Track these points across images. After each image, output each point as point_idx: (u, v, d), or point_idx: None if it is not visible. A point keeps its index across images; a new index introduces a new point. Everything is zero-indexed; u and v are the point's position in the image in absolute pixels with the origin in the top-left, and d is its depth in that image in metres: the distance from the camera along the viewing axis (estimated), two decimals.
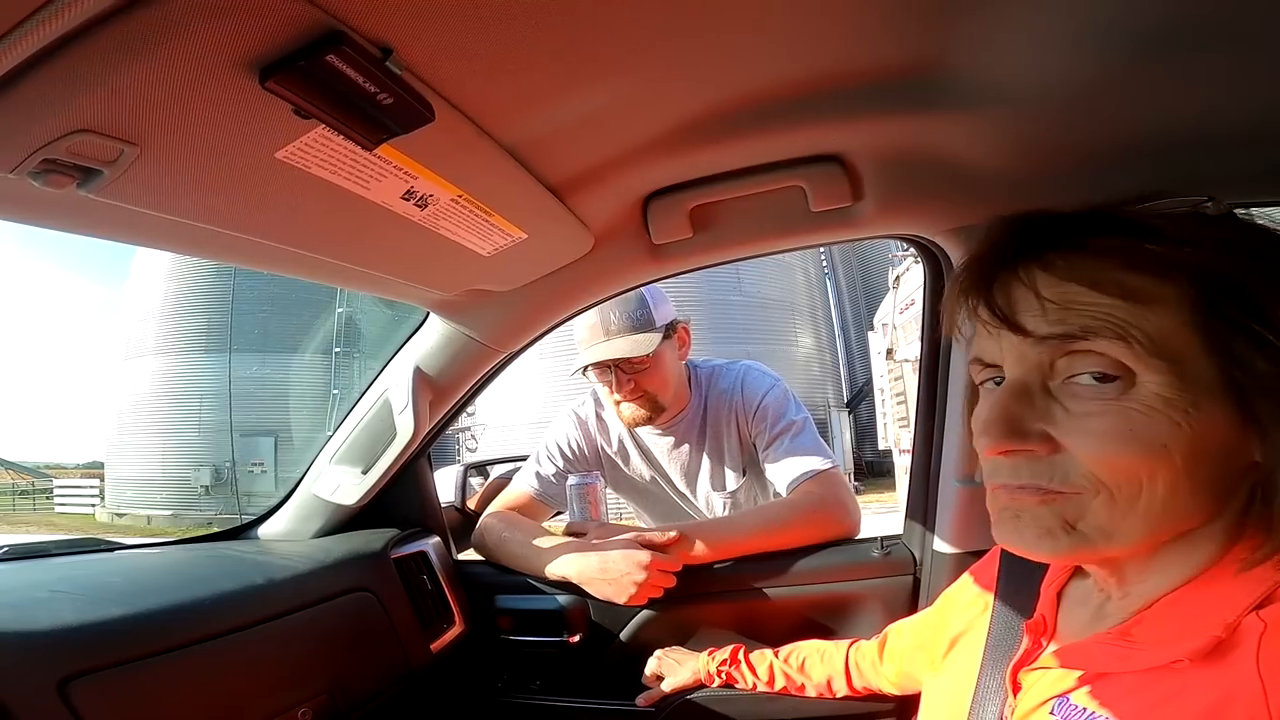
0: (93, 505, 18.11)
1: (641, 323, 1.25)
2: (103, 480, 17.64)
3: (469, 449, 12.42)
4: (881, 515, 6.64)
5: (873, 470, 15.56)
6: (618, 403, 1.30)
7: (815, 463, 1.17)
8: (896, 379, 9.59)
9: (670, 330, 1.29)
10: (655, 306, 1.27)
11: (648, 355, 1.23)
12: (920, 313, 1.04)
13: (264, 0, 0.35)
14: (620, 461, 1.42)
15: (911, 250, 0.98)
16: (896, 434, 9.77)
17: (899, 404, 9.53)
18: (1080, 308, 0.40)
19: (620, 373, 1.26)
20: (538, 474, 1.35)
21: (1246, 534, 0.41)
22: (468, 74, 0.48)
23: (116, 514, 15.87)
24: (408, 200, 0.59)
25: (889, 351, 9.49)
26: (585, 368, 1.29)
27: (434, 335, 1.05)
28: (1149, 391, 0.39)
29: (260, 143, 0.46)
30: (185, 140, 0.43)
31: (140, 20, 0.34)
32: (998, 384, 0.46)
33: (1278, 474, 0.39)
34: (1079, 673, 0.46)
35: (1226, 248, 0.40)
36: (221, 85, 0.39)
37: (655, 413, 1.29)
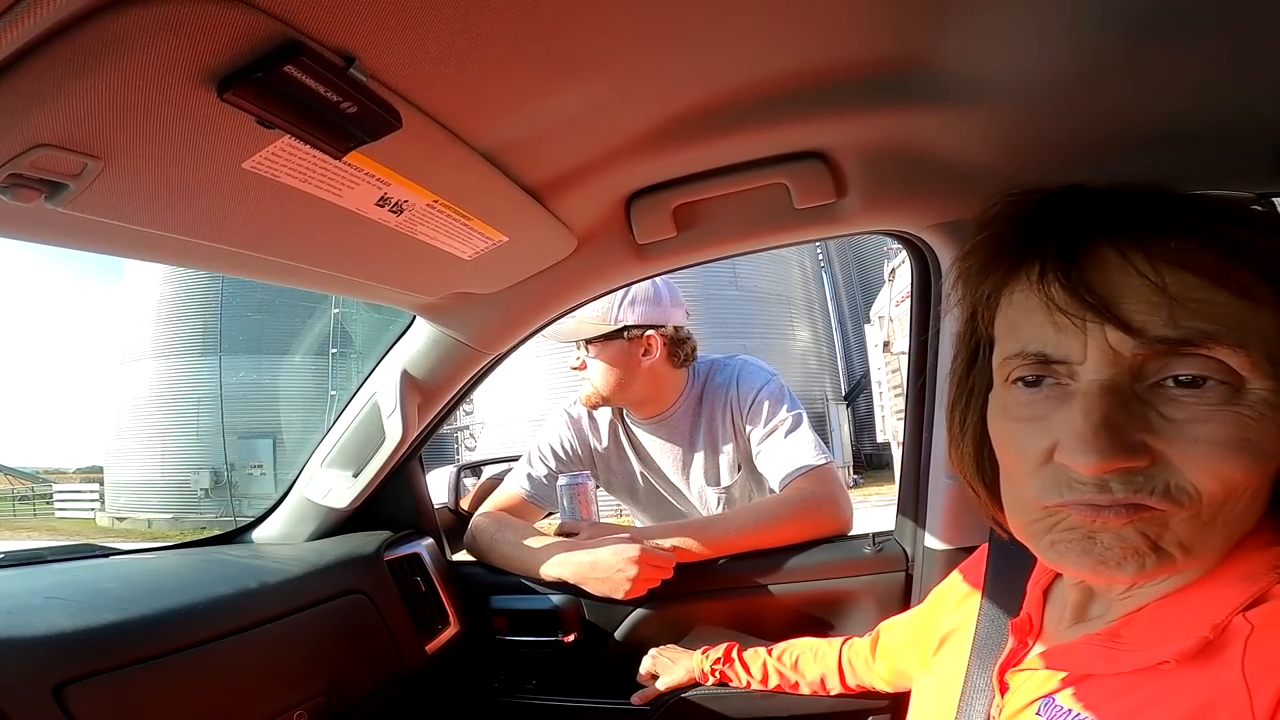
0: (93, 510, 18.13)
1: (602, 313, 1.28)
2: (102, 484, 17.65)
3: (467, 448, 12.43)
4: (881, 508, 6.65)
5: (872, 463, 15.61)
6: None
7: (809, 459, 1.17)
8: (894, 371, 9.59)
9: (627, 332, 1.28)
10: (625, 305, 1.28)
11: (582, 341, 1.29)
12: None
13: (218, 13, 0.34)
14: (613, 459, 1.41)
15: None
16: (895, 426, 9.78)
17: (897, 396, 9.54)
18: (1196, 305, 0.35)
19: (579, 346, 1.32)
20: (529, 475, 1.35)
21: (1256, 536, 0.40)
22: (435, 80, 0.48)
23: (117, 518, 15.88)
24: (382, 207, 0.58)
25: (886, 344, 9.49)
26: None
27: (420, 338, 1.05)
28: (1258, 398, 0.35)
29: (226, 153, 0.45)
30: (149, 153, 0.43)
31: (92, 34, 0.33)
32: (1029, 384, 0.41)
33: None
34: (1065, 673, 0.45)
35: None
36: (180, 98, 0.39)
37: (597, 398, 1.33)
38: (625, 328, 1.28)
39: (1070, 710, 0.43)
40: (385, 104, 0.44)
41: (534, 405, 11.26)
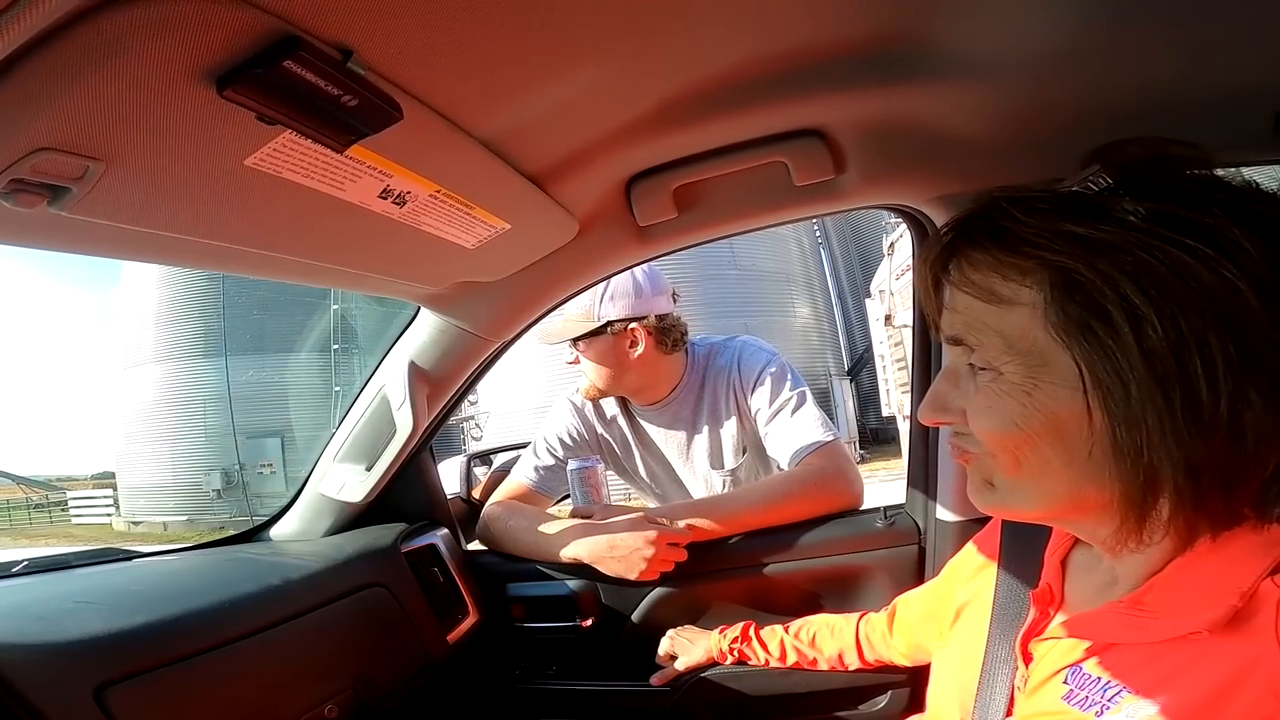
0: (108, 515, 18.27)
1: (585, 310, 1.29)
2: (115, 490, 17.78)
3: (474, 438, 12.49)
4: (888, 483, 6.68)
5: (877, 438, 15.63)
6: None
7: (817, 435, 1.17)
8: (896, 345, 9.57)
9: (610, 328, 1.28)
10: (605, 301, 1.28)
11: (569, 340, 1.31)
12: None
13: (214, 10, 0.34)
14: (617, 445, 1.42)
15: None
16: (899, 400, 9.78)
17: (900, 370, 9.53)
18: (959, 313, 0.47)
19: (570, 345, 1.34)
20: (535, 466, 1.35)
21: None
22: (434, 70, 0.47)
23: (132, 522, 16.03)
24: (385, 199, 0.58)
25: (887, 317, 9.45)
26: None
27: (426, 329, 1.05)
28: (1008, 380, 0.44)
29: (228, 151, 0.45)
30: (151, 153, 0.42)
31: (89, 34, 0.33)
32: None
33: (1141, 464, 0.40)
34: (1089, 642, 0.46)
35: (1081, 245, 0.41)
36: (180, 97, 0.38)
37: (594, 390, 1.36)
38: (608, 323, 1.28)
39: (1098, 678, 0.44)
40: (385, 96, 0.44)
41: (537, 393, 11.28)
